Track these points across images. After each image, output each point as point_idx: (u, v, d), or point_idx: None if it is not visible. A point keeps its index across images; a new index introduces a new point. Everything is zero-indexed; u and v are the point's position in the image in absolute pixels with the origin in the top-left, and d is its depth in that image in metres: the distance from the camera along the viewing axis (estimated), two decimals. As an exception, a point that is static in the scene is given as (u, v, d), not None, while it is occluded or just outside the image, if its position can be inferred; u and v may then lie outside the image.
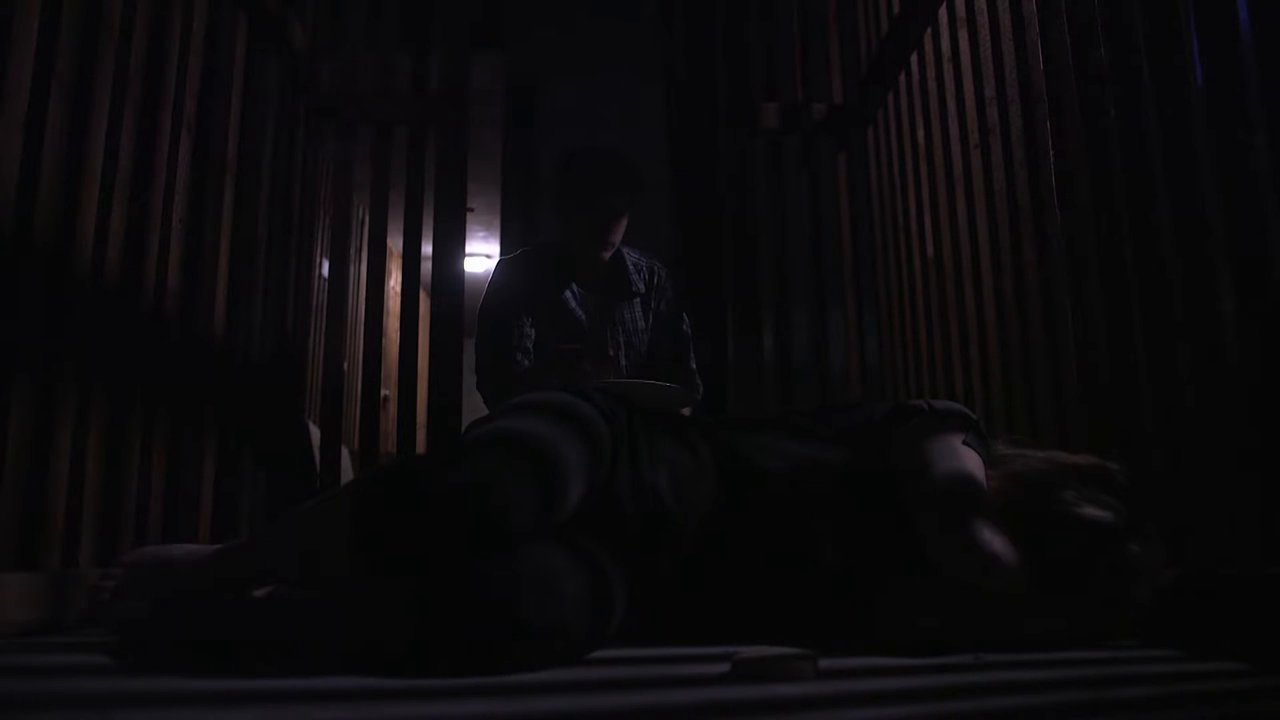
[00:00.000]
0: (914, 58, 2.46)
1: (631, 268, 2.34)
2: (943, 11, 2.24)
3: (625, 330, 2.34)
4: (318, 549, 1.06)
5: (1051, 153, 1.71)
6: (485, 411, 1.86)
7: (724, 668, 0.93)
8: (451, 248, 2.73)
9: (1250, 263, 1.24)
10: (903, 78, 2.55)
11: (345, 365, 2.81)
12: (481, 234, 6.25)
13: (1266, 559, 1.20)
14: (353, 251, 4.21)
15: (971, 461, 1.22)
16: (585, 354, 2.09)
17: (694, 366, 2.41)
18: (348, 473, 2.99)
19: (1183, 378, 1.36)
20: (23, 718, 0.71)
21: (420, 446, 3.08)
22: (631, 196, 2.22)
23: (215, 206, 1.98)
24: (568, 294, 2.29)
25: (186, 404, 1.84)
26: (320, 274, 3.43)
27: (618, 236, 2.26)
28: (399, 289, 2.96)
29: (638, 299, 2.35)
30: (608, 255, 2.29)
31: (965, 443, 1.24)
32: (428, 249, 2.74)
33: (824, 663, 0.95)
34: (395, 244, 3.83)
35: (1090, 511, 1.16)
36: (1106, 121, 1.55)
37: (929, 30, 2.33)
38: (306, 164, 2.59)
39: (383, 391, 2.91)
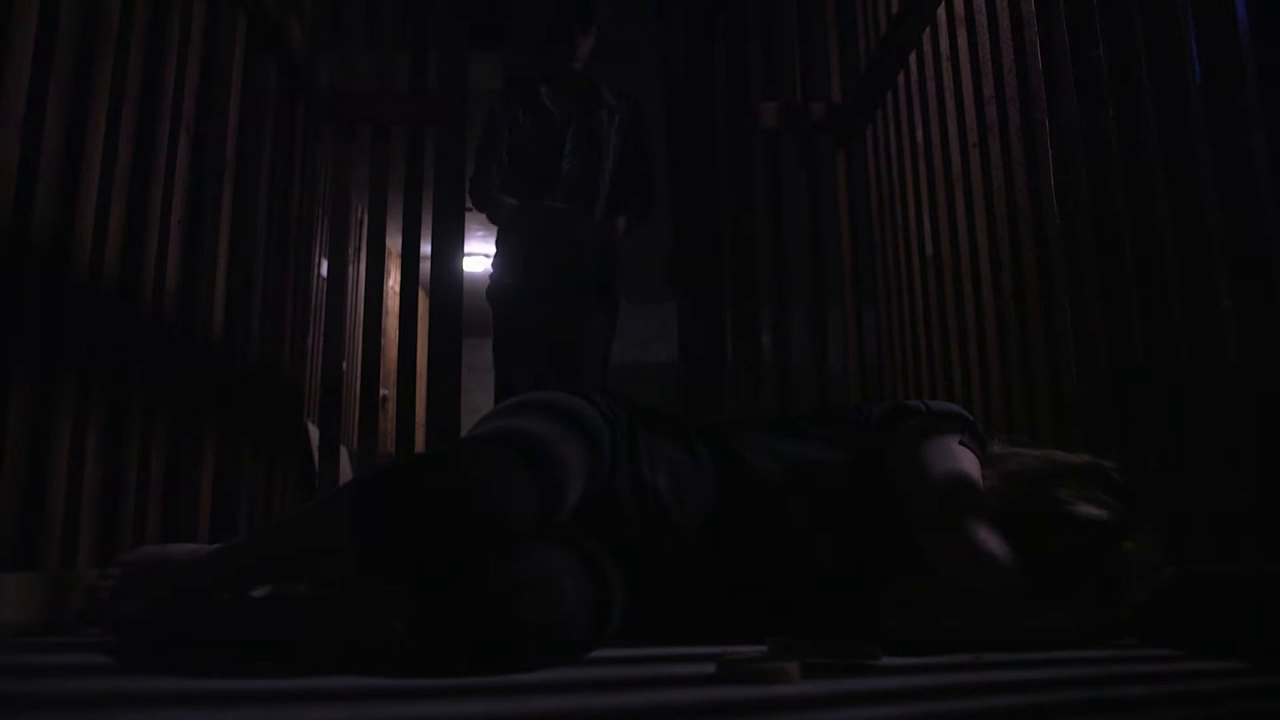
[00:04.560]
0: (913, 57, 2.46)
1: (606, 91, 2.87)
2: (941, 11, 2.24)
3: (590, 137, 2.81)
4: (317, 548, 1.06)
5: (1050, 152, 1.72)
6: (482, 412, 1.88)
7: (722, 668, 0.93)
8: (450, 247, 2.73)
9: (1249, 261, 1.24)
10: (901, 77, 2.55)
11: (344, 365, 2.81)
12: (480, 233, 6.24)
13: (1266, 558, 1.20)
14: (351, 251, 4.21)
15: (967, 462, 1.22)
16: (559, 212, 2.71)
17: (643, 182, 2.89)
18: (346, 472, 2.99)
19: (1182, 376, 1.36)
20: (22, 718, 0.71)
21: (419, 446, 3.08)
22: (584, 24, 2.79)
23: (214, 207, 1.98)
24: (543, 93, 2.83)
25: (185, 404, 1.83)
26: (319, 274, 3.43)
27: (584, 51, 2.81)
28: (398, 288, 2.96)
29: (606, 112, 2.85)
30: (579, 66, 2.82)
31: (962, 443, 1.24)
32: (426, 248, 2.74)
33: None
34: (394, 243, 3.83)
35: (1086, 510, 1.16)
36: (1105, 120, 1.55)
37: (928, 30, 2.33)
38: (305, 164, 2.58)
39: (381, 391, 2.91)
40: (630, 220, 2.86)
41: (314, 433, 2.93)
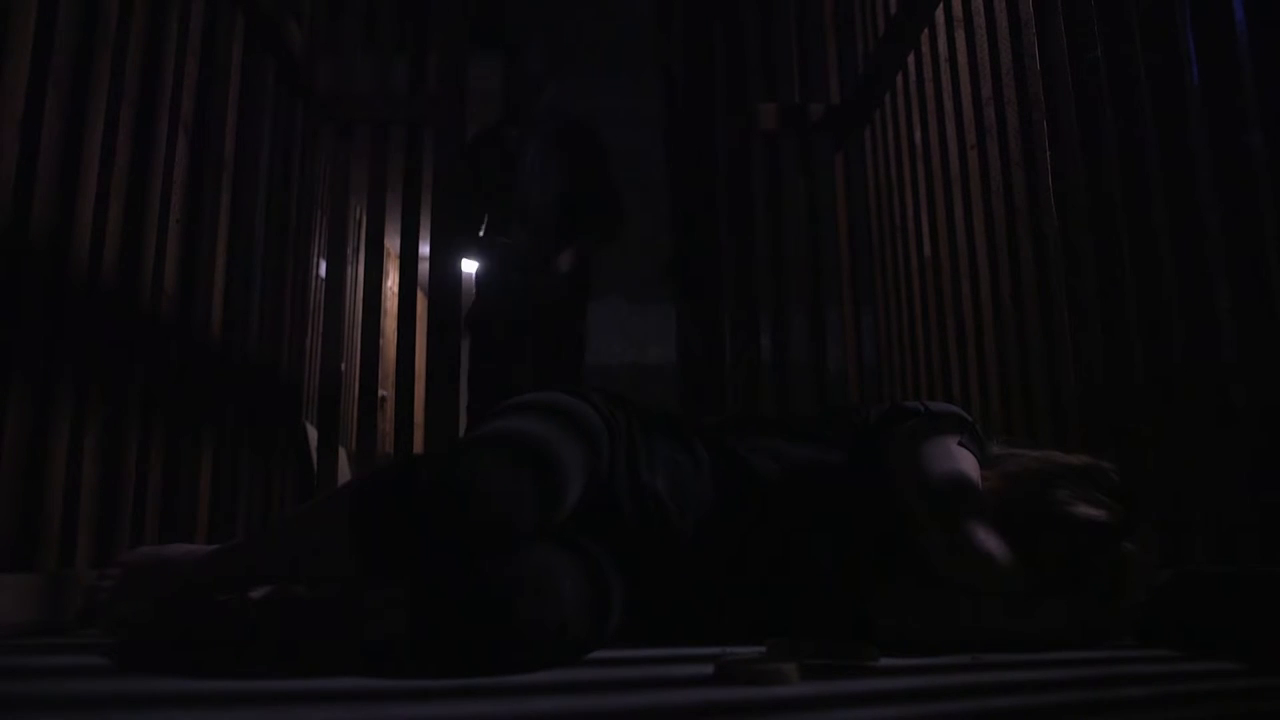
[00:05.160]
0: (911, 58, 2.46)
1: (546, 118, 3.04)
2: (940, 12, 2.24)
3: (532, 166, 2.97)
4: (316, 549, 1.06)
5: (1048, 153, 1.72)
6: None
7: (722, 668, 0.93)
8: (448, 248, 2.73)
9: (1247, 261, 1.24)
10: (900, 78, 2.55)
11: (342, 366, 2.81)
12: (478, 234, 6.23)
13: (1266, 558, 1.20)
14: (350, 252, 4.20)
15: (966, 462, 1.22)
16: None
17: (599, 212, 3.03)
18: (345, 473, 2.99)
19: (1179, 377, 1.37)
20: (21, 718, 0.70)
21: (418, 447, 3.08)
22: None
23: (212, 207, 1.98)
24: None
25: (184, 404, 1.83)
26: (317, 274, 3.42)
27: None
28: (396, 289, 2.96)
29: (538, 141, 3.00)
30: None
31: (960, 444, 1.24)
32: (425, 249, 2.73)
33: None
34: (392, 244, 3.83)
35: (1084, 510, 1.16)
36: (1103, 121, 1.55)
37: (926, 31, 2.33)
38: (304, 164, 2.58)
39: (380, 392, 2.91)
40: (583, 245, 2.99)
41: (312, 434, 2.93)
